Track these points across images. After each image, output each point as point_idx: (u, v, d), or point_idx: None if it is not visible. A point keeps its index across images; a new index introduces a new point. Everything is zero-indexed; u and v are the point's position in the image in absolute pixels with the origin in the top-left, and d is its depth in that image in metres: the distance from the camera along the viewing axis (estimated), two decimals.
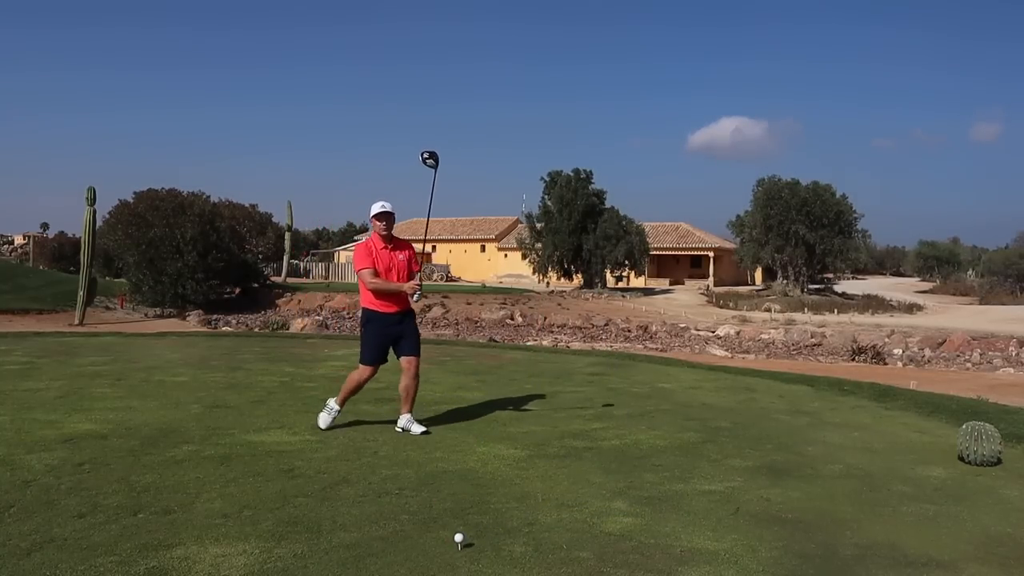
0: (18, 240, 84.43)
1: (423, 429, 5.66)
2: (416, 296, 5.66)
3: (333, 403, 5.87)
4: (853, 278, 60.21)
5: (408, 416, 5.77)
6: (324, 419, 5.79)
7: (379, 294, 5.68)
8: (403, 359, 5.78)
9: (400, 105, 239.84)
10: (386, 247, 5.74)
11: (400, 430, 5.69)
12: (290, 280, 43.72)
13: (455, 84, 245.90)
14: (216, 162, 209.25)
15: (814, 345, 25.36)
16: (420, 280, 5.73)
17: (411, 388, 5.77)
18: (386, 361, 5.80)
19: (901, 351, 23.60)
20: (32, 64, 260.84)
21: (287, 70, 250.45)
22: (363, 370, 5.78)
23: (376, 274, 5.68)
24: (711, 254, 53.47)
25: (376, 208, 5.64)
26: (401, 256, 5.78)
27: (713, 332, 28.27)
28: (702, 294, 44.75)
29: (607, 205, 44.91)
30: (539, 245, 45.14)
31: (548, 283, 45.84)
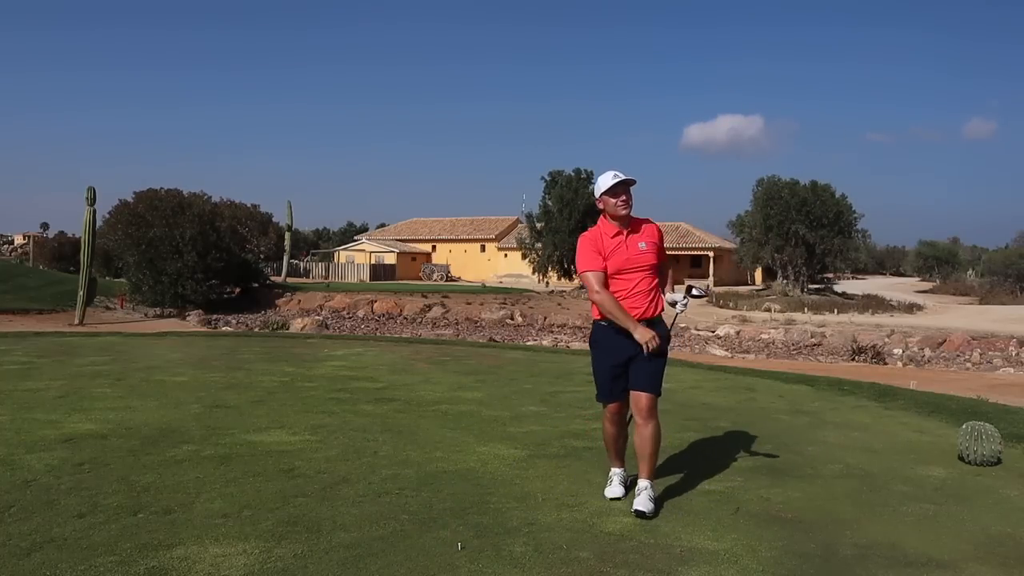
0: (18, 240, 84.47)
1: (646, 508, 3.89)
2: (651, 345, 3.85)
3: (614, 471, 4.32)
4: (853, 278, 60.25)
5: (648, 483, 4.02)
6: (610, 490, 4.23)
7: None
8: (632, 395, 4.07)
9: (401, 105, 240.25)
10: (620, 233, 4.04)
11: (634, 511, 3.90)
12: (290, 280, 43.81)
13: (455, 84, 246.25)
14: (217, 162, 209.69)
15: (814, 345, 25.35)
16: (681, 304, 4.12)
17: (647, 441, 4.02)
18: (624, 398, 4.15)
19: (901, 351, 23.60)
20: (33, 64, 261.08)
21: (288, 70, 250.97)
22: (604, 412, 4.23)
23: (605, 281, 3.97)
24: (711, 254, 53.47)
25: (607, 180, 3.98)
26: (643, 245, 4.03)
27: (713, 332, 28.25)
28: None
29: None
30: (539, 245, 45.14)
31: (548, 283, 45.85)
